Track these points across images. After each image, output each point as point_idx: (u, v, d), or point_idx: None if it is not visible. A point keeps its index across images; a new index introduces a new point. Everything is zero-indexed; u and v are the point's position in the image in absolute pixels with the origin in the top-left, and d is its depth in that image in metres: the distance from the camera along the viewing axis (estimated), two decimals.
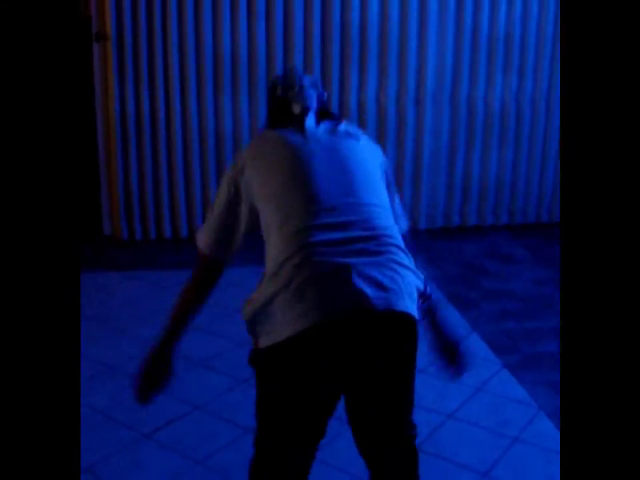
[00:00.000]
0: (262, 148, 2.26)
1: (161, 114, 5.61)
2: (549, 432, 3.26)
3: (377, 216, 2.06)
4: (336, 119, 2.39)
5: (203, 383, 3.63)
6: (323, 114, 2.38)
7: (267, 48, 5.63)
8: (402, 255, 2.03)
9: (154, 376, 2.21)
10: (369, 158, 2.25)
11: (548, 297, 4.81)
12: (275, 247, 2.02)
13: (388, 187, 2.27)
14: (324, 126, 2.30)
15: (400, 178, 5.95)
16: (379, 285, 1.91)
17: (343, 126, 2.32)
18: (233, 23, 5.54)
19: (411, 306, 1.97)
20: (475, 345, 4.06)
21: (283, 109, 2.37)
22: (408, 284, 1.98)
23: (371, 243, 1.98)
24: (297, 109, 2.32)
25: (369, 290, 1.89)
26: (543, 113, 6.18)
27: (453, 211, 6.18)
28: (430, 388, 3.49)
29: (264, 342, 2.00)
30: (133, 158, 5.67)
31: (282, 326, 1.93)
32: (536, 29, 5.98)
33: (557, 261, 5.51)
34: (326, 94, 2.48)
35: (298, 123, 2.29)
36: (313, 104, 2.35)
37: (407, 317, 1.96)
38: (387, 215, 2.12)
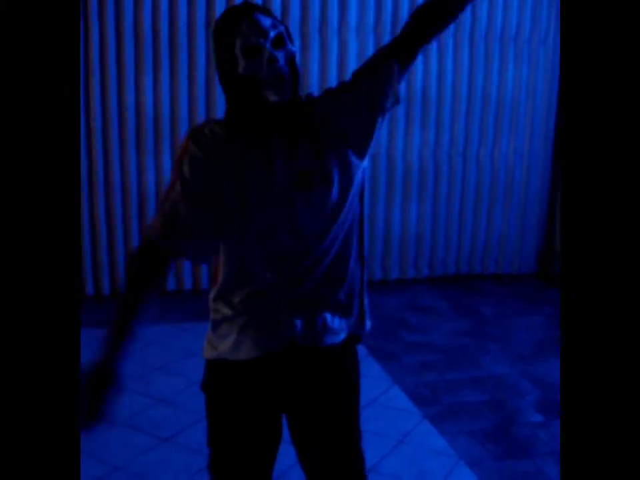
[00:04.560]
0: (207, 153, 1.89)
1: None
2: None
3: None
4: (302, 104, 1.94)
5: (124, 443, 3.58)
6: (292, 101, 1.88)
7: (189, 105, 5.69)
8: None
9: (100, 396, 1.87)
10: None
11: (467, 348, 4.92)
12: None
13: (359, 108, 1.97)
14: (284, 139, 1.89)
15: None
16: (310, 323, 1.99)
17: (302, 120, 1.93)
18: (155, 80, 5.59)
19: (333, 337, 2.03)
20: (396, 398, 4.11)
21: (247, 94, 1.86)
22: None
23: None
24: (272, 96, 1.85)
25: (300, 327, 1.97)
26: (459, 167, 6.36)
27: (375, 264, 6.27)
28: None
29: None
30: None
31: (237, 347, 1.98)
32: (451, 86, 6.18)
33: (476, 312, 5.64)
34: (295, 50, 1.90)
35: (267, 126, 1.89)
36: (288, 84, 1.85)
37: (331, 350, 2.03)
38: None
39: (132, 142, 5.64)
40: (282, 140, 1.91)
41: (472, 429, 3.81)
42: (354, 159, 1.97)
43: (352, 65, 5.87)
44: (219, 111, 5.66)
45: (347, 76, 5.79)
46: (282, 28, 1.88)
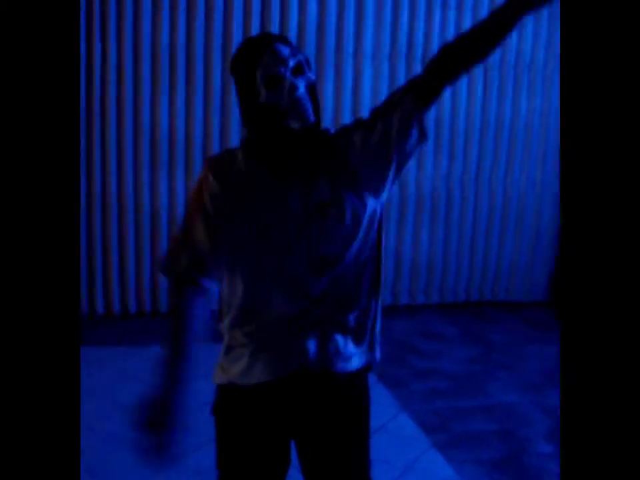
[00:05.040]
0: (227, 186, 1.94)
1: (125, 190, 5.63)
2: None
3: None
4: (321, 133, 1.97)
5: (132, 464, 3.56)
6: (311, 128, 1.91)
7: (204, 126, 5.72)
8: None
9: (163, 432, 1.92)
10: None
11: (477, 375, 4.89)
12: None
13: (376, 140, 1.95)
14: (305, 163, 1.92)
15: None
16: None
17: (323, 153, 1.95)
18: (171, 100, 5.63)
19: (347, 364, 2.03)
20: (404, 424, 4.09)
21: (269, 123, 1.89)
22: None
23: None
24: (294, 124, 1.87)
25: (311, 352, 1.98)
26: (472, 194, 6.36)
27: (385, 289, 6.25)
28: None
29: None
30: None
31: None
32: (465, 113, 6.20)
33: (486, 339, 5.62)
34: (314, 78, 1.95)
35: (285, 151, 1.90)
36: (310, 111, 1.89)
37: (345, 376, 2.03)
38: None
39: (146, 162, 5.66)
40: (301, 171, 1.93)
41: (480, 458, 3.79)
42: (367, 196, 1.98)
43: (366, 92, 5.90)
44: (234, 133, 5.70)
45: (361, 103, 5.84)
46: (301, 56, 1.91)
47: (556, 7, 6.10)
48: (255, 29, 5.62)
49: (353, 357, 2.05)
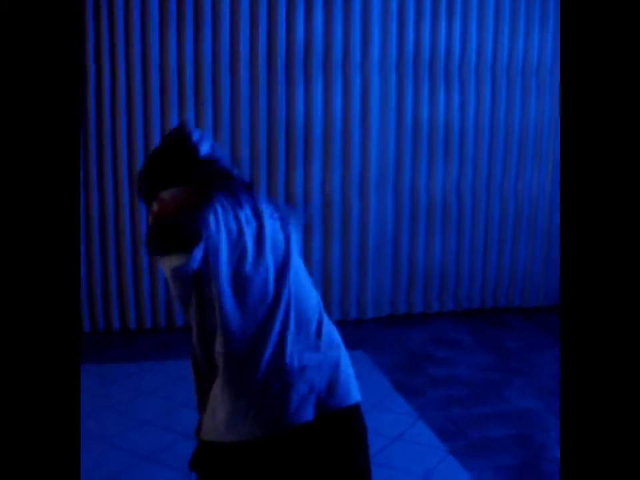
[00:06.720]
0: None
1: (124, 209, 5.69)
2: None
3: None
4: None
5: (151, 478, 3.60)
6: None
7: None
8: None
9: None
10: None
11: (493, 382, 4.89)
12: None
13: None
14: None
15: (346, 267, 6.08)
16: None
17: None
18: (180, 118, 5.68)
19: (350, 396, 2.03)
20: (421, 433, 4.09)
21: (215, 174, 2.04)
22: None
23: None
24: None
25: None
26: (483, 200, 6.37)
27: (399, 298, 6.28)
28: (376, 477, 3.50)
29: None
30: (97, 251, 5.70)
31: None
32: (474, 119, 6.22)
33: (501, 346, 5.62)
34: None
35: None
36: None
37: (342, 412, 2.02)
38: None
39: None
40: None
41: (498, 464, 3.79)
42: None
43: (374, 101, 5.94)
44: (244, 148, 5.74)
45: (370, 112, 5.77)
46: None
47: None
48: (262, 44, 5.67)
49: (352, 389, 2.05)
